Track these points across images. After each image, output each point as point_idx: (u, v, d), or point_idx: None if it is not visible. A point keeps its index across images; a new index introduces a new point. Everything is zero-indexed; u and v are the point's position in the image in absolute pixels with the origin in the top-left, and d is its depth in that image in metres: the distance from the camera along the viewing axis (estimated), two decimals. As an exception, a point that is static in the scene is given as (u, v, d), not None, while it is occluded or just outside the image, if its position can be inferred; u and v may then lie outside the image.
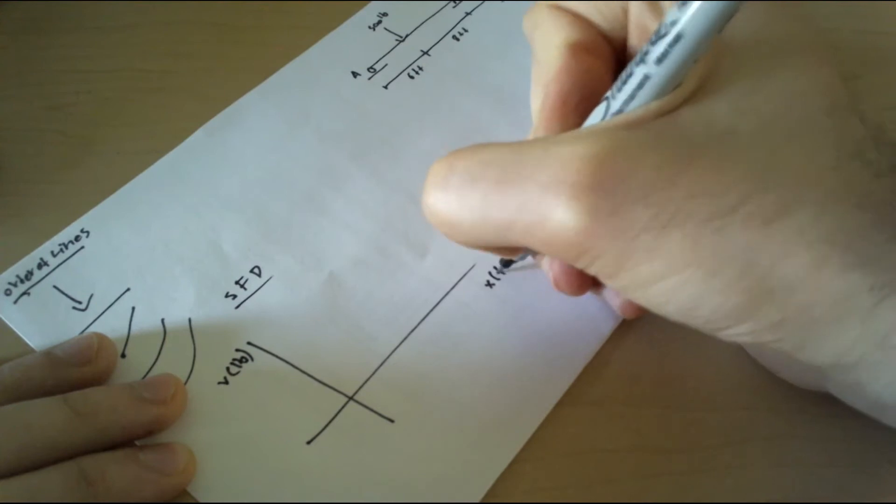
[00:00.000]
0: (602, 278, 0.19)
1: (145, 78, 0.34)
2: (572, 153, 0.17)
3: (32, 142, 0.32)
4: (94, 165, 0.31)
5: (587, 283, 0.23)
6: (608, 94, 0.19)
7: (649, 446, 0.24)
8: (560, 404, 0.24)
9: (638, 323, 0.26)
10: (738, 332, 0.19)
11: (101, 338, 0.25)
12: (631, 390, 0.25)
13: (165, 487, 0.22)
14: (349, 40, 0.34)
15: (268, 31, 0.35)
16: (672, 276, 0.18)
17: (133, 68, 0.34)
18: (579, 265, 0.19)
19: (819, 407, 0.24)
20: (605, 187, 0.17)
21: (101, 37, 0.35)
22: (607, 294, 0.25)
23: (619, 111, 0.19)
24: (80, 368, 0.24)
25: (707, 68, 0.18)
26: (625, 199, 0.17)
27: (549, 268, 0.24)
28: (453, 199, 0.19)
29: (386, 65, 0.33)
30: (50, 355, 0.24)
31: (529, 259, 0.27)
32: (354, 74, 0.33)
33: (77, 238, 0.28)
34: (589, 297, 0.26)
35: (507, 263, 0.27)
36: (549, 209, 0.17)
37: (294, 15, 0.36)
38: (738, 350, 0.25)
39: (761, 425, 0.24)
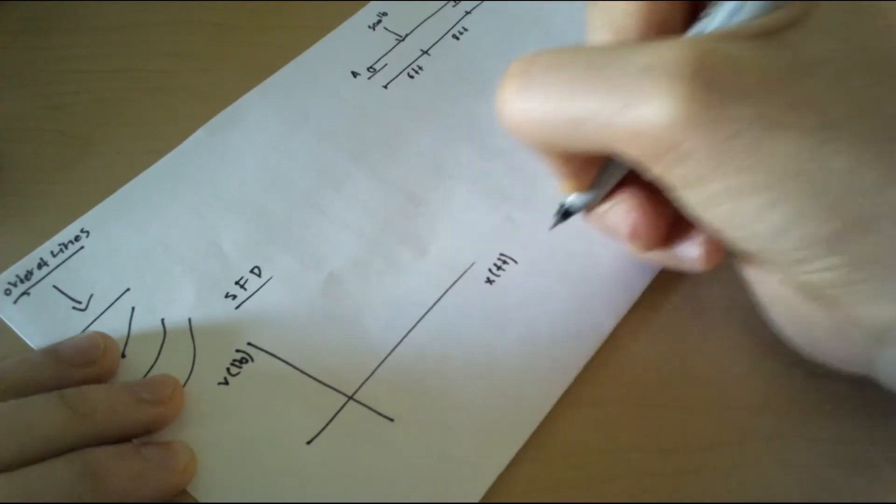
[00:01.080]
0: (682, 188, 0.18)
1: (145, 78, 0.34)
2: (673, 45, 0.16)
3: (32, 142, 0.32)
4: (94, 165, 0.31)
5: (665, 230, 0.22)
6: (702, 13, 0.18)
7: (649, 446, 0.24)
8: (560, 404, 0.24)
9: (638, 322, 0.26)
10: (821, 267, 0.17)
11: (105, 337, 0.25)
12: (631, 390, 0.25)
13: (167, 484, 0.22)
14: (349, 40, 0.34)
15: (268, 31, 0.35)
16: (769, 189, 0.16)
17: (133, 68, 0.34)
18: (659, 168, 0.17)
19: (819, 407, 0.24)
20: (708, 78, 0.16)
21: (101, 37, 0.35)
22: (683, 249, 0.22)
23: (718, 28, 0.17)
24: (85, 369, 0.24)
25: None
26: (727, 94, 0.16)
27: (626, 214, 0.21)
28: (535, 87, 0.18)
29: (386, 64, 0.33)
30: (55, 354, 0.24)
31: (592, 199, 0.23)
32: (354, 74, 0.33)
33: (77, 238, 0.28)
34: (589, 293, 0.26)
35: (566, 214, 0.24)
36: (643, 94, 0.16)
37: (294, 15, 0.36)
38: (738, 350, 0.25)
39: (761, 425, 0.24)
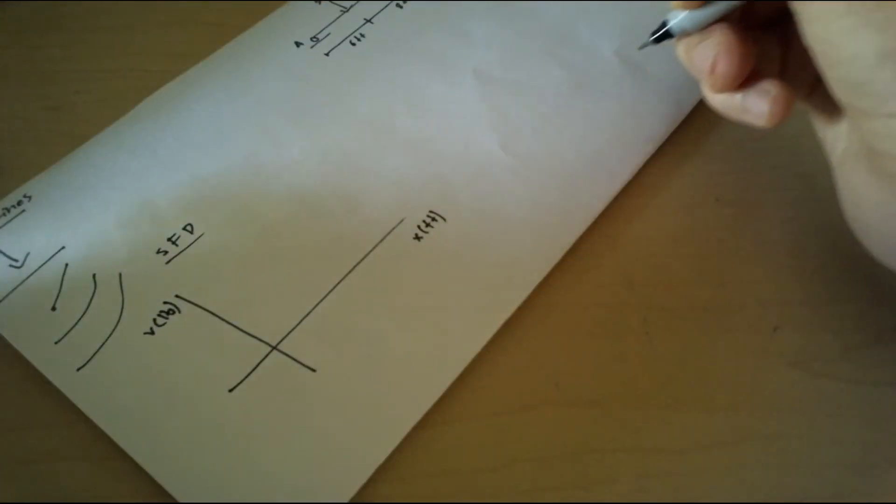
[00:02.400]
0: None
1: (145, 78, 0.34)
2: None
3: (32, 142, 0.32)
4: (94, 165, 0.31)
5: (743, 73, 0.22)
6: None
7: (649, 446, 0.24)
8: (559, 404, 0.24)
9: (638, 322, 0.26)
10: None
11: None
12: (631, 390, 0.25)
13: None
14: (295, 13, 0.35)
15: (268, 31, 0.35)
16: (885, 8, 0.16)
17: (133, 68, 0.34)
18: None
19: (819, 407, 0.24)
20: None
21: (101, 37, 0.35)
22: (753, 100, 0.22)
23: None
24: None
25: None
26: None
27: (713, 47, 0.22)
28: None
29: (329, 34, 0.34)
30: None
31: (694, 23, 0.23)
32: (297, 44, 0.34)
33: (19, 203, 0.29)
34: (512, 251, 0.27)
35: (664, 35, 0.24)
36: None
37: (294, 15, 0.36)
38: (737, 350, 0.25)
39: (761, 425, 0.24)
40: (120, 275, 0.27)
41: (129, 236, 0.28)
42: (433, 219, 0.28)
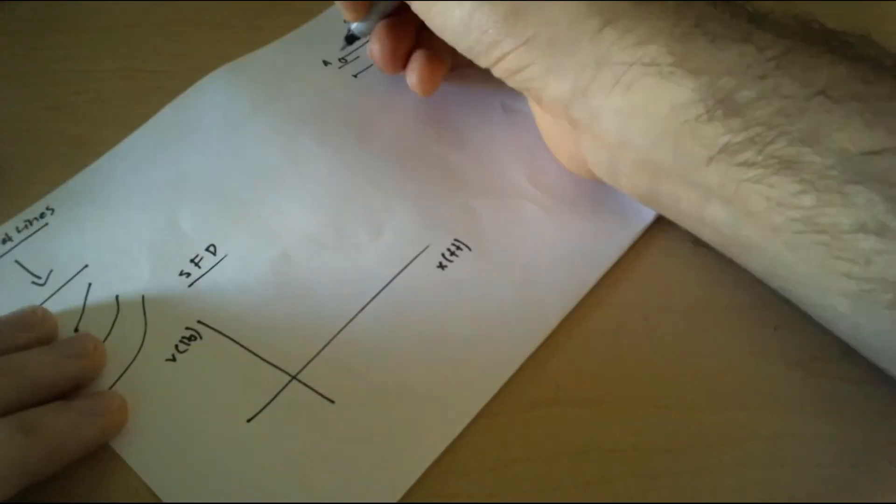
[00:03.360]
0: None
1: (145, 78, 0.34)
2: None
3: (32, 142, 0.32)
4: (94, 165, 0.31)
5: (398, 60, 0.29)
6: None
7: (649, 446, 0.24)
8: (559, 404, 0.24)
9: (638, 322, 0.26)
10: (501, 53, 0.23)
11: (42, 309, 0.26)
12: (630, 390, 0.25)
13: (102, 429, 0.23)
14: (323, 31, 0.35)
15: (267, 32, 0.35)
16: None
17: (133, 68, 0.34)
18: None
19: (819, 407, 0.24)
20: None
21: (101, 37, 0.35)
22: (408, 72, 0.29)
23: None
24: (24, 333, 0.24)
25: None
26: None
27: (372, 43, 0.29)
28: None
29: (357, 57, 0.34)
30: None
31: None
32: (325, 63, 0.34)
33: (42, 215, 0.29)
34: (539, 285, 0.26)
35: (351, 40, 0.31)
36: None
37: (294, 15, 0.36)
38: (738, 350, 0.25)
39: (761, 425, 0.24)
40: (143, 297, 0.27)
41: (151, 255, 0.28)
42: (458, 247, 0.28)
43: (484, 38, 0.23)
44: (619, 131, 0.23)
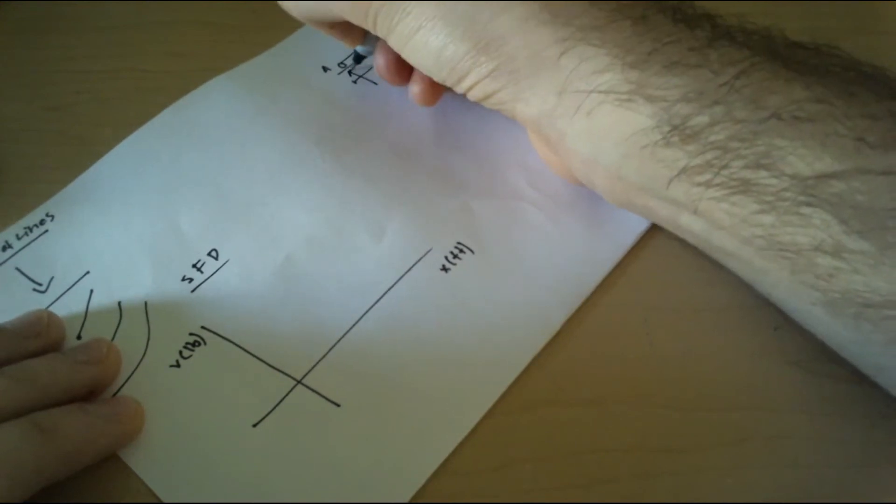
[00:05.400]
0: (384, 35, 0.25)
1: (145, 78, 0.34)
2: None
3: (32, 142, 0.32)
4: (94, 165, 0.31)
5: (401, 73, 0.29)
6: None
7: (649, 446, 0.24)
8: (559, 404, 0.24)
9: (638, 323, 0.26)
10: (471, 83, 0.24)
11: (49, 313, 0.26)
12: (631, 390, 0.25)
13: (117, 434, 0.23)
14: (322, 36, 0.35)
15: (267, 32, 0.35)
16: (423, 26, 0.24)
17: (133, 68, 0.34)
18: (368, 23, 0.25)
19: (819, 407, 0.24)
20: None
21: (101, 37, 0.35)
22: (411, 85, 0.29)
23: None
24: (33, 340, 0.24)
25: None
26: None
27: (376, 60, 0.30)
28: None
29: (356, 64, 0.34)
30: (1, 330, 0.24)
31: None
32: (325, 69, 0.34)
33: (42, 222, 0.29)
34: (542, 287, 0.26)
35: (359, 59, 0.32)
36: None
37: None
38: (738, 350, 0.25)
39: (761, 425, 0.24)
40: (146, 303, 0.26)
41: (153, 260, 0.27)
42: (461, 250, 0.28)
43: (453, 73, 0.24)
44: (586, 151, 0.24)
